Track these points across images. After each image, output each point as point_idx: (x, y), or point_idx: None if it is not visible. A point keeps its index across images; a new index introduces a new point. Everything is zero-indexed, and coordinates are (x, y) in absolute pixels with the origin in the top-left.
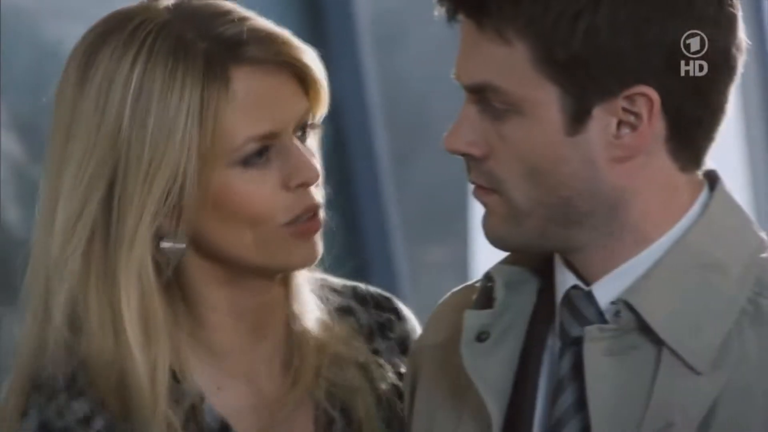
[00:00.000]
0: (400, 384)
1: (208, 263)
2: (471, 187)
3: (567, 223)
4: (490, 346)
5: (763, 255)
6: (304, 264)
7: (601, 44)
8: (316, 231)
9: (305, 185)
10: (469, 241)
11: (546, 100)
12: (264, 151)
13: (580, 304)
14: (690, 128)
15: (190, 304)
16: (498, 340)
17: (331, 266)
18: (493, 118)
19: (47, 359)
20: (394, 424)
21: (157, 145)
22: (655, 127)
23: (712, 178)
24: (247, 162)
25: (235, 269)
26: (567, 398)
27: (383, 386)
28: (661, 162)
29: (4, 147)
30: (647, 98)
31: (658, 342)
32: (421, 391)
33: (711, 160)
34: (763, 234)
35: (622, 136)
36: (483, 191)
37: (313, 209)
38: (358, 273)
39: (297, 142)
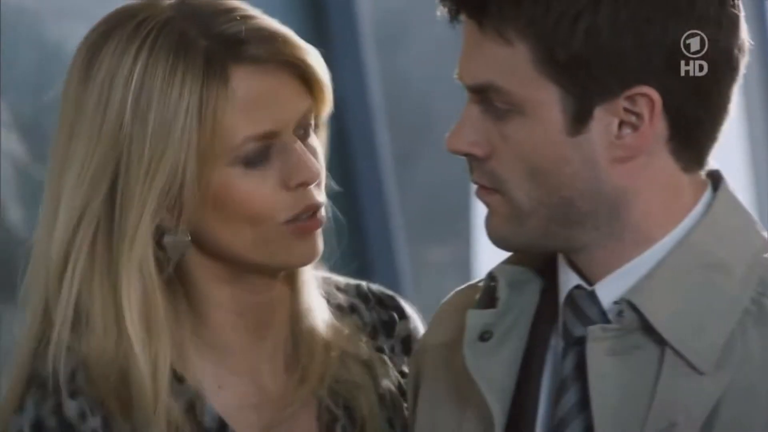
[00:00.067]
0: (403, 382)
1: (210, 261)
2: (473, 187)
3: (568, 223)
4: (493, 345)
5: (767, 255)
6: (304, 262)
7: (601, 44)
8: (315, 229)
9: (305, 185)
10: (472, 241)
11: (547, 101)
12: (264, 150)
13: (583, 303)
14: (692, 128)
15: (193, 301)
16: (501, 340)
17: (334, 266)
18: (495, 119)
19: (47, 357)
20: (397, 423)
21: (158, 142)
22: (657, 127)
23: (715, 178)
24: (247, 161)
25: (237, 267)
26: (570, 398)
27: (386, 384)
28: (663, 162)
29: (6, 147)
30: (648, 98)
31: (661, 342)
32: (425, 390)
33: (713, 160)
34: (766, 234)
35: (623, 137)
36: (485, 191)
37: (313, 208)
38: (361, 272)
39: (298, 142)
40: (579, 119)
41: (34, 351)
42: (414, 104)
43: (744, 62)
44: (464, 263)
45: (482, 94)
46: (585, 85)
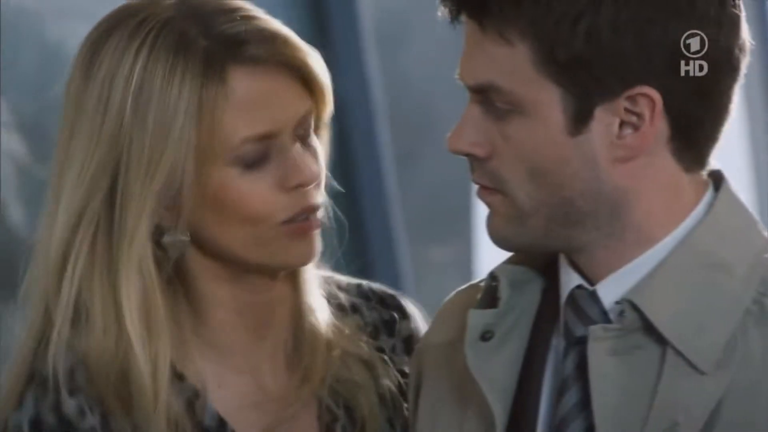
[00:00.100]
0: (404, 382)
1: (210, 260)
2: (475, 187)
3: (569, 223)
4: (495, 345)
5: None
6: (302, 262)
7: (602, 45)
8: (312, 230)
9: (302, 186)
10: (473, 240)
11: (548, 101)
12: (263, 152)
13: (585, 303)
14: (693, 128)
15: (193, 301)
16: (502, 340)
17: (336, 265)
18: (496, 119)
19: (47, 355)
20: (398, 423)
21: (157, 141)
22: (658, 127)
23: (717, 178)
24: (245, 162)
25: (237, 266)
26: (571, 398)
27: (387, 384)
28: (664, 162)
29: (7, 146)
30: (649, 98)
31: (662, 342)
32: (426, 390)
33: (714, 161)
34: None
35: (624, 137)
36: (486, 191)
37: (311, 209)
38: (362, 272)
39: (296, 143)
40: (580, 119)
41: (35, 349)
42: (415, 104)
43: (745, 62)
44: (465, 263)
45: (483, 95)
46: (586, 86)
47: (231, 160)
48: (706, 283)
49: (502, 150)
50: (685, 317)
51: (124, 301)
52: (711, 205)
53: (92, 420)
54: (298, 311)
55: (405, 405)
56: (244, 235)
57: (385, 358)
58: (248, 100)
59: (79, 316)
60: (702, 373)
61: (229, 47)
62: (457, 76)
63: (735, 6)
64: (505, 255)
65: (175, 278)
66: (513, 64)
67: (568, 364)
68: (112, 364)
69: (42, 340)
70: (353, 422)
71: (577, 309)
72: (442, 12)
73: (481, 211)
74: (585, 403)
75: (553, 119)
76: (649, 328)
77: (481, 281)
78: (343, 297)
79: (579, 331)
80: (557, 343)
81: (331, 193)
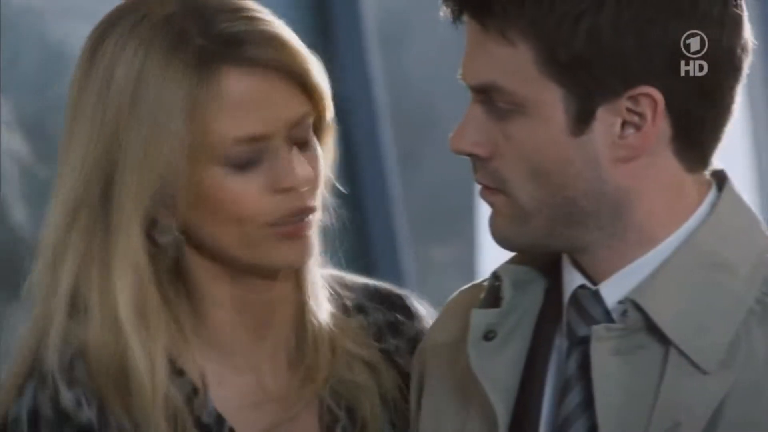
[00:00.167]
0: (407, 385)
1: (208, 260)
2: (477, 186)
3: (571, 223)
4: (497, 345)
5: None
6: (293, 264)
7: (604, 45)
8: (303, 233)
9: (291, 189)
10: (476, 240)
11: (550, 101)
12: (255, 154)
13: (587, 303)
14: (695, 128)
15: (194, 301)
16: (505, 340)
17: (338, 265)
18: (498, 119)
19: (47, 347)
20: (400, 425)
21: (151, 138)
22: (660, 127)
23: (720, 178)
24: (236, 163)
25: (234, 266)
26: (574, 398)
27: (390, 386)
28: (667, 162)
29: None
30: (651, 98)
31: (665, 341)
32: (428, 389)
33: (717, 161)
34: None
35: (626, 137)
36: (489, 191)
37: (299, 212)
38: (365, 272)
39: (289, 146)
40: (582, 119)
41: (36, 342)
42: (417, 104)
43: (747, 62)
44: (468, 263)
45: (485, 94)
46: (587, 86)
47: (223, 160)
48: (709, 283)
49: (504, 150)
50: (688, 317)
51: (119, 296)
52: (714, 205)
53: (89, 413)
54: (300, 311)
55: (408, 408)
56: (234, 234)
57: (390, 360)
58: (240, 101)
59: (77, 310)
60: (705, 372)
61: (225, 47)
62: (459, 76)
63: (737, 6)
64: (507, 255)
65: (177, 278)
66: (515, 64)
67: (570, 364)
68: (110, 357)
69: (43, 333)
70: (354, 423)
71: (580, 309)
72: (444, 12)
73: (483, 211)
74: (588, 403)
75: (555, 119)
76: (652, 328)
77: (484, 281)
78: (348, 297)
79: (582, 330)
80: (560, 342)
81: (334, 193)
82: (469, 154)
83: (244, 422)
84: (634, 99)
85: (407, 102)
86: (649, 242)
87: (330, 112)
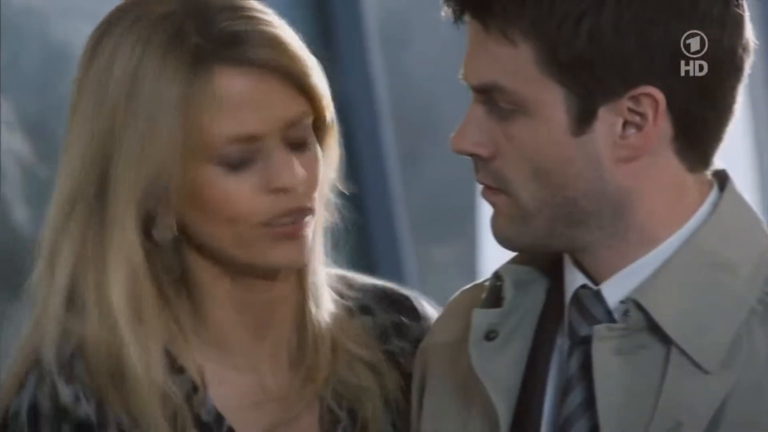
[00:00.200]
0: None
1: (208, 259)
2: (479, 186)
3: (573, 223)
4: (499, 345)
5: None
6: (288, 265)
7: (605, 45)
8: (296, 234)
9: (284, 190)
10: (477, 240)
11: (551, 101)
12: (248, 154)
13: (589, 303)
14: (696, 128)
15: (195, 300)
16: (506, 339)
17: (339, 265)
18: (500, 119)
19: (47, 342)
20: (401, 427)
21: (146, 134)
22: (661, 127)
23: (721, 178)
24: (229, 162)
25: (234, 266)
26: (575, 397)
27: (393, 388)
28: (668, 162)
29: (11, 146)
30: (652, 98)
31: (666, 341)
32: (430, 389)
33: (718, 160)
34: None
35: (627, 137)
36: (491, 191)
37: (291, 212)
38: (366, 272)
39: (283, 147)
40: (583, 119)
41: (36, 338)
42: (419, 104)
43: (749, 62)
44: (469, 263)
45: (487, 95)
46: (589, 86)
47: (215, 159)
48: (710, 283)
49: (505, 150)
50: (689, 317)
51: (113, 290)
52: (716, 205)
53: (88, 408)
54: (301, 311)
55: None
56: (228, 234)
57: (393, 362)
58: (234, 100)
59: (76, 305)
60: (706, 372)
61: (222, 46)
62: (460, 77)
63: (739, 5)
64: (509, 255)
65: (179, 278)
66: (516, 64)
67: (572, 364)
68: (106, 352)
69: (43, 330)
70: (355, 424)
71: (582, 308)
72: (445, 12)
73: (484, 210)
74: (589, 403)
75: (557, 119)
76: (654, 328)
77: (485, 281)
78: (353, 297)
79: (583, 330)
80: (561, 342)
81: (335, 193)
82: (471, 154)
83: (244, 422)
84: (635, 99)
85: (408, 102)
86: (650, 242)
87: (330, 113)
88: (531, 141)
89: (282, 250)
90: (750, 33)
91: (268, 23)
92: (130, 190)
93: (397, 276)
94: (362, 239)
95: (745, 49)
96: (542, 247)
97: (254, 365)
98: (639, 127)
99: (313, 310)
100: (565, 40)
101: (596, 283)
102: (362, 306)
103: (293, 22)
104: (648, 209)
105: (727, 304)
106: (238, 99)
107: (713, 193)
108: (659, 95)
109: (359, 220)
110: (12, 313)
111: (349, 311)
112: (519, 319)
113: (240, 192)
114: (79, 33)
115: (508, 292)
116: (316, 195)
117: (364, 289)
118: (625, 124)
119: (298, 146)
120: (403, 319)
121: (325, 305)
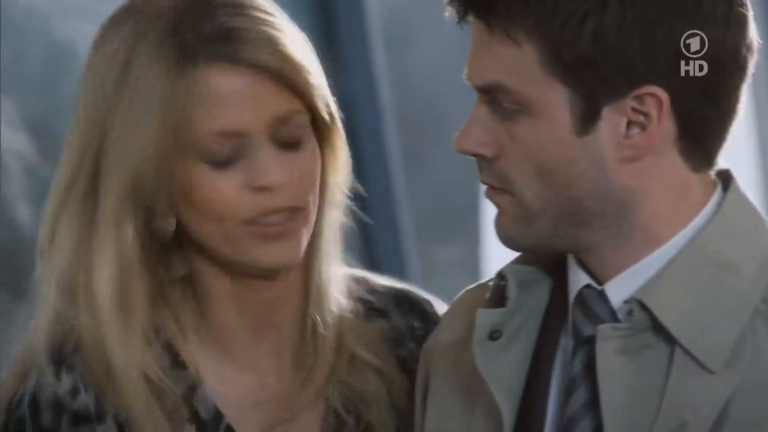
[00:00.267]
0: None
1: (209, 259)
2: (482, 186)
3: (577, 223)
4: (503, 344)
5: None
6: (278, 265)
7: (608, 45)
8: (284, 234)
9: (269, 188)
10: (481, 240)
11: (555, 101)
12: (233, 152)
13: (593, 303)
14: (700, 128)
15: (200, 300)
16: (510, 339)
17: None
18: (504, 119)
19: (48, 333)
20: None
21: (133, 128)
22: (665, 126)
23: (725, 178)
24: (214, 159)
25: (232, 265)
26: (579, 397)
27: (400, 393)
28: (672, 162)
29: (14, 146)
30: (656, 98)
31: (671, 341)
32: (434, 389)
33: (722, 160)
34: None
35: (631, 136)
36: (494, 191)
37: (275, 211)
38: (369, 272)
39: (269, 145)
40: (587, 119)
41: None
42: (423, 104)
43: (752, 62)
44: (473, 263)
45: (491, 95)
46: (592, 86)
47: (200, 155)
48: (714, 283)
49: (509, 150)
50: (693, 316)
51: (100, 285)
52: (720, 205)
53: (86, 398)
54: (303, 311)
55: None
56: (216, 232)
57: (404, 367)
58: (220, 96)
59: (72, 298)
60: (710, 372)
61: (214, 42)
62: (464, 77)
63: (742, 5)
64: (512, 255)
65: (183, 278)
66: (520, 64)
67: (576, 364)
68: (95, 344)
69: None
70: (359, 427)
71: (586, 308)
72: (449, 12)
73: (488, 210)
74: (593, 403)
75: (561, 119)
76: (658, 328)
77: (489, 281)
78: (373, 300)
79: (587, 330)
80: (565, 342)
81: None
82: (475, 154)
83: (243, 420)
84: (639, 99)
85: (412, 102)
86: (654, 242)
87: (326, 112)
88: (535, 141)
89: (271, 249)
90: (754, 32)
91: (266, 22)
92: (120, 183)
93: (401, 276)
94: (366, 239)
95: (749, 48)
96: (546, 247)
97: (255, 365)
98: (643, 127)
99: (316, 309)
100: (568, 40)
101: (600, 283)
102: (379, 309)
103: (295, 22)
104: (652, 209)
105: (731, 303)
106: (224, 95)
107: (717, 193)
108: (663, 95)
109: (362, 219)
110: (15, 312)
111: (363, 313)
112: (523, 318)
113: (225, 190)
114: (81, 32)
115: (512, 292)
116: (311, 195)
117: (383, 291)
118: (629, 123)
119: (291, 145)
120: (419, 323)
121: (329, 306)
